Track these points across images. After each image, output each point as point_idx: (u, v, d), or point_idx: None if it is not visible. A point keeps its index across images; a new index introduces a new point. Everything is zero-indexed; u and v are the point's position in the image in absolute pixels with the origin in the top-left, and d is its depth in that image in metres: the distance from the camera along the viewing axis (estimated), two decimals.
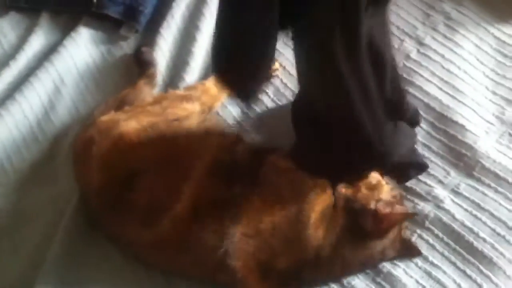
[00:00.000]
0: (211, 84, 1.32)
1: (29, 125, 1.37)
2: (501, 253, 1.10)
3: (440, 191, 1.19)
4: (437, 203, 1.17)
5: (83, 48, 1.48)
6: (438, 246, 1.12)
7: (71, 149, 1.26)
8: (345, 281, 1.10)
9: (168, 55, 1.46)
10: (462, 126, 1.26)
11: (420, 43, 1.41)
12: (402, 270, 1.11)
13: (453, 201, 1.17)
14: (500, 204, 1.16)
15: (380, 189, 1.10)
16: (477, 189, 1.18)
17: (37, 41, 1.51)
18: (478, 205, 1.16)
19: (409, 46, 1.41)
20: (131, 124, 1.19)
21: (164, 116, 1.22)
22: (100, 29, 1.52)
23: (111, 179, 1.13)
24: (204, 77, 1.40)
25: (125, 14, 1.51)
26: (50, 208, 1.24)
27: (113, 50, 1.49)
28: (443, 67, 1.36)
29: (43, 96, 1.40)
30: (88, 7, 1.52)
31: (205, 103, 1.29)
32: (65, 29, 1.53)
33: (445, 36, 1.41)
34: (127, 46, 1.50)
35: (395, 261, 1.12)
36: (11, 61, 1.46)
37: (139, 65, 1.43)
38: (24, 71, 1.46)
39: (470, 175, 1.21)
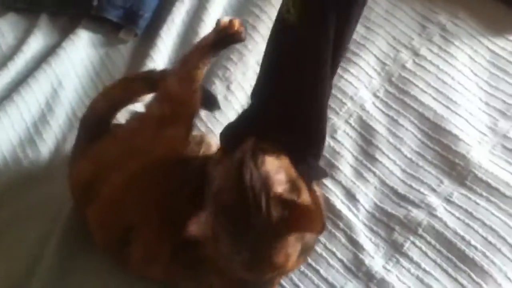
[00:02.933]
0: None
1: (25, 127, 1.37)
2: (492, 261, 1.11)
3: (433, 199, 1.20)
4: (430, 211, 1.18)
5: (81, 51, 1.49)
6: (430, 253, 1.14)
7: (69, 186, 1.17)
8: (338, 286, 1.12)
9: (167, 59, 1.46)
10: (456, 136, 1.28)
11: (416, 53, 1.43)
12: (395, 277, 1.12)
13: (446, 209, 1.18)
14: (492, 213, 1.17)
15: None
16: (470, 198, 1.20)
17: (36, 43, 1.51)
18: (470, 214, 1.17)
19: (405, 56, 1.42)
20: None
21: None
22: (99, 32, 1.53)
23: (109, 238, 1.10)
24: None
25: (125, 18, 1.52)
26: (42, 212, 1.23)
27: (111, 53, 1.50)
28: (438, 78, 1.38)
29: (40, 98, 1.41)
30: (87, 10, 1.53)
31: None
32: (64, 31, 1.54)
33: (440, 48, 1.43)
34: (125, 50, 1.51)
35: (388, 267, 1.13)
36: (9, 62, 1.47)
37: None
38: (22, 72, 1.46)
39: (463, 184, 1.22)
